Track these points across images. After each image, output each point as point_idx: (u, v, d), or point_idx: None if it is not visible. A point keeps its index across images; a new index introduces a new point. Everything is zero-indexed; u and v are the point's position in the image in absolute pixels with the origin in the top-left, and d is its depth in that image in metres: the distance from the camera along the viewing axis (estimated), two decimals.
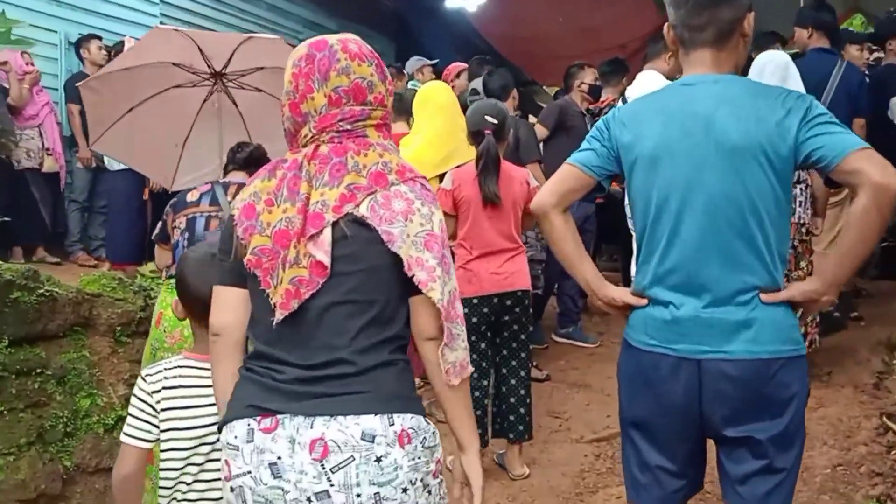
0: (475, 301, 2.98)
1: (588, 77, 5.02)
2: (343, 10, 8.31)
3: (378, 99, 1.42)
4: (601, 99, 5.06)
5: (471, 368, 1.44)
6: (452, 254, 3.02)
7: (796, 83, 3.37)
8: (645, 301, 1.65)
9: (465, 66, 5.67)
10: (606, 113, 5.01)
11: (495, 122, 3.08)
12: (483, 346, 3.06)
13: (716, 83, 1.59)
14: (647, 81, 3.88)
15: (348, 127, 1.40)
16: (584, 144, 1.75)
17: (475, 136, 3.12)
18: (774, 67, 3.37)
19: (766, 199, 1.53)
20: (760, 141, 1.51)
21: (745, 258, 1.54)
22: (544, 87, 8.79)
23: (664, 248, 1.61)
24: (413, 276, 1.34)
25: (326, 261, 1.32)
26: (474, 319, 2.97)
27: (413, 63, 6.43)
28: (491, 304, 3.02)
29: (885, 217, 1.44)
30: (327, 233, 1.34)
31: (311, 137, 1.41)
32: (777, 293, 1.55)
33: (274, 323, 1.33)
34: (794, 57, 3.85)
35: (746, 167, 1.52)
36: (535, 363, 3.85)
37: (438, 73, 6.10)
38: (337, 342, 1.34)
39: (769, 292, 1.55)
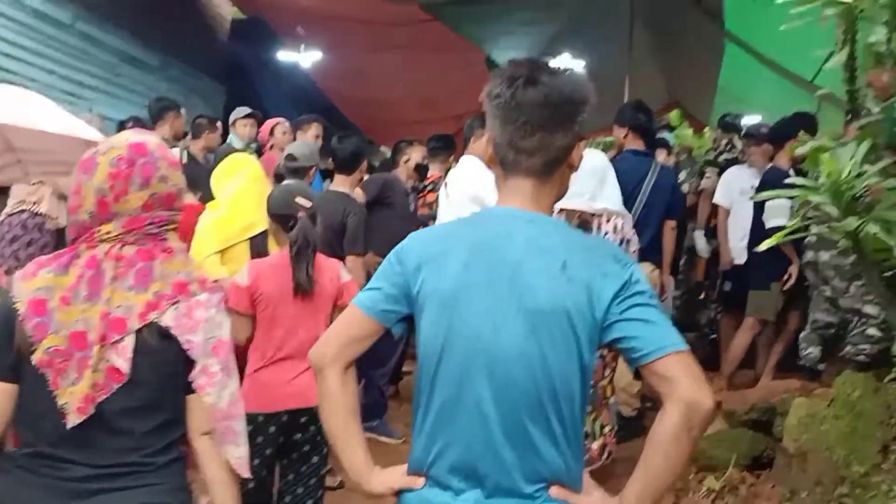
0: (261, 419, 2.51)
1: (416, 154, 4.83)
2: (168, 45, 7.62)
3: (181, 205, 1.54)
4: (428, 176, 4.92)
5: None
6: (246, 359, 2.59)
7: (613, 188, 3.34)
8: (421, 482, 1.38)
9: (282, 120, 5.26)
10: (431, 189, 4.98)
11: (309, 204, 2.71)
12: (264, 473, 2.59)
13: (530, 223, 1.34)
14: (469, 169, 3.75)
15: (155, 230, 1.47)
16: (372, 281, 1.44)
17: (281, 219, 2.72)
18: (591, 170, 3.12)
19: (566, 374, 1.29)
20: (567, 305, 1.27)
21: (537, 441, 1.29)
22: (381, 149, 8.63)
23: (445, 415, 1.34)
24: (193, 381, 1.45)
25: (126, 368, 1.38)
26: (259, 439, 2.50)
27: (236, 113, 5.92)
28: (280, 423, 2.57)
29: (696, 439, 1.24)
30: (130, 340, 1.39)
31: (116, 237, 1.43)
32: (569, 494, 1.32)
33: (69, 426, 1.35)
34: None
35: (548, 334, 1.28)
36: (330, 466, 3.47)
37: (261, 123, 5.69)
38: (128, 445, 1.41)
39: (562, 486, 1.32)
